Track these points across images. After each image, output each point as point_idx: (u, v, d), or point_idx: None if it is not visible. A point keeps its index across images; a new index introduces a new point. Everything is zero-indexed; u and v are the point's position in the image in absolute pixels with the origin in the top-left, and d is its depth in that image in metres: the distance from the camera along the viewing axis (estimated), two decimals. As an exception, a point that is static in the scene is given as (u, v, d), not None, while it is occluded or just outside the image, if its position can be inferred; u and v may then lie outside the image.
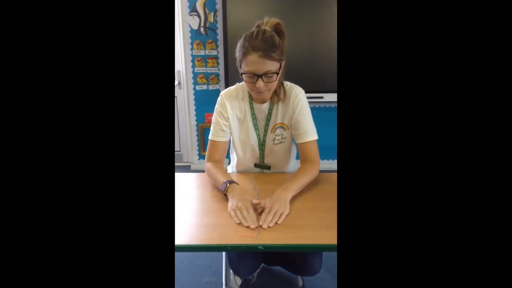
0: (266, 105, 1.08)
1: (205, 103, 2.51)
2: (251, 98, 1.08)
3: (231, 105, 1.08)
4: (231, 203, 0.88)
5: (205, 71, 2.42)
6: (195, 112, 2.56)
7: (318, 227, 0.81)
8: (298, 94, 1.05)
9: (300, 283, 1.40)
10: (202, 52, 2.38)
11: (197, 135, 2.64)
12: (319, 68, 2.27)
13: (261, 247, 0.75)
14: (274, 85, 0.98)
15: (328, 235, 0.77)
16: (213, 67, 2.40)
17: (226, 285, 1.37)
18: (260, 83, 0.93)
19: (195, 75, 2.44)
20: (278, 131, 1.10)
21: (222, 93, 1.10)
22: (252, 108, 1.09)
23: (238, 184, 0.96)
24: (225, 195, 0.94)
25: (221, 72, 2.39)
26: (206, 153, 1.10)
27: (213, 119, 1.10)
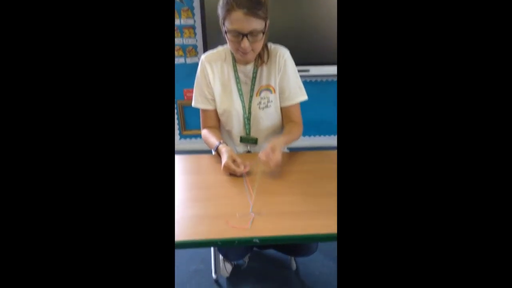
0: (250, 67, 1.01)
1: (183, 78, 2.32)
2: (234, 60, 1.02)
3: (212, 68, 1.01)
4: (222, 162, 0.91)
5: (182, 43, 2.21)
6: (173, 89, 2.38)
7: (317, 214, 0.72)
8: (283, 55, 1.00)
9: (294, 266, 1.34)
10: (177, 22, 2.16)
11: (177, 113, 2.47)
12: (305, 38, 2.12)
13: (257, 240, 0.65)
14: (259, 45, 0.93)
15: (327, 223, 0.68)
16: (190, 37, 2.20)
17: (215, 272, 1.29)
18: (246, 43, 0.88)
19: (171, 48, 2.24)
20: (264, 93, 1.03)
21: (202, 56, 1.02)
22: (235, 70, 1.02)
23: (226, 145, 0.98)
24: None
25: (199, 44, 2.19)
26: (201, 122, 1.09)
27: (195, 85, 1.04)
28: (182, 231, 0.66)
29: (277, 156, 0.86)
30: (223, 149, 0.94)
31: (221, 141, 0.98)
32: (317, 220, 0.69)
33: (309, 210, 0.73)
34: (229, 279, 1.29)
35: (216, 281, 1.28)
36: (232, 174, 0.89)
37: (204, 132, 1.07)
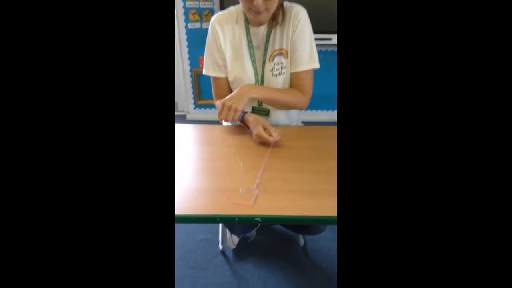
0: (263, 29, 0.92)
1: (199, 44, 2.24)
2: (247, 22, 0.93)
3: (223, 31, 0.93)
4: (252, 131, 0.88)
5: (198, 6, 2.11)
6: (188, 55, 2.30)
7: (327, 193, 0.67)
8: (298, 13, 0.90)
9: (302, 242, 1.32)
10: (193, -17, 2.05)
11: (192, 82, 2.41)
12: (327, 5, 1.97)
13: (259, 219, 0.61)
14: (274, 4, 0.84)
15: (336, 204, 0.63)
16: (206, 1, 2.09)
17: (222, 243, 1.29)
18: (259, 1, 0.80)
19: (187, 11, 2.14)
20: (277, 58, 0.94)
21: (213, 18, 0.94)
22: (248, 33, 0.93)
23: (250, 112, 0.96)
24: (243, 125, 0.95)
25: (216, 7, 2.08)
26: (213, 91, 1.03)
27: (205, 50, 0.96)
28: (181, 205, 0.63)
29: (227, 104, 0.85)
30: (251, 117, 0.90)
31: (245, 110, 0.93)
32: (325, 201, 0.64)
33: (319, 189, 0.68)
34: (235, 251, 1.29)
35: (223, 252, 1.29)
36: (262, 143, 0.85)
37: (219, 103, 1.00)
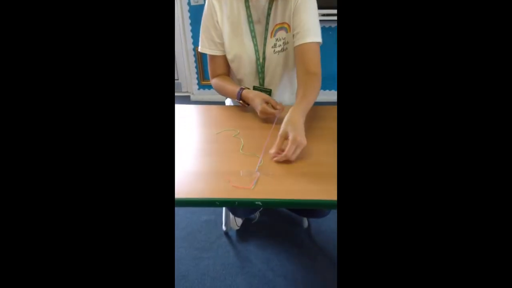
0: (264, 2, 0.86)
1: (202, 22, 2.16)
2: None
3: (220, 5, 0.87)
4: (256, 107, 0.83)
5: (200, -19, 2.03)
6: (191, 34, 2.23)
7: (333, 177, 0.64)
8: None
9: (306, 224, 1.31)
10: (195, -44, 1.95)
11: (195, 61, 2.36)
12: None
13: (259, 203, 0.59)
14: None
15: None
16: (209, -25, 2.00)
17: (225, 224, 1.29)
18: None
19: (189, -13, 2.05)
20: (279, 34, 0.88)
21: None
22: (247, 7, 0.87)
23: (250, 89, 0.90)
24: (242, 103, 0.90)
25: (219, -18, 1.99)
26: (209, 69, 0.99)
27: (201, 26, 0.91)
28: (180, 188, 0.61)
29: (300, 142, 0.66)
30: (251, 94, 0.84)
31: (243, 87, 0.88)
32: (327, 185, 0.62)
33: (321, 172, 0.65)
34: (238, 232, 1.29)
35: (226, 233, 1.29)
36: (267, 119, 0.82)
37: (215, 81, 0.96)
